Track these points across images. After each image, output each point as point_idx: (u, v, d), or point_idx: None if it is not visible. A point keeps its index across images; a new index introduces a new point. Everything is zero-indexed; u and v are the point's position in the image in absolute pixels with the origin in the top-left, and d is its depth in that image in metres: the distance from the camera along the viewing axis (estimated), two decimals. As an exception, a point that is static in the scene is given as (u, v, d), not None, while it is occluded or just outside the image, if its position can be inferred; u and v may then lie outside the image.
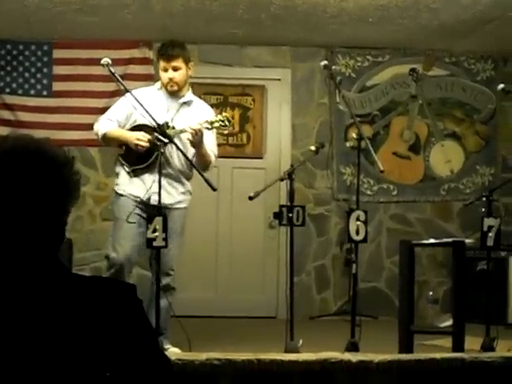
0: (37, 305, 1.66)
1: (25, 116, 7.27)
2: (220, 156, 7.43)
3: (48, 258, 1.72)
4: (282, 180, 5.24)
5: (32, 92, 7.36)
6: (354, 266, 5.17)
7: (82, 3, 6.27)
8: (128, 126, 5.22)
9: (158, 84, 5.33)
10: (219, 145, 7.49)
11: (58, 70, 7.37)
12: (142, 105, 5.00)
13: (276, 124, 7.63)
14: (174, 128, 5.10)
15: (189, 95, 5.35)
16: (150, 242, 4.75)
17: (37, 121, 7.22)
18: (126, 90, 5.08)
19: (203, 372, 4.27)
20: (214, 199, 7.09)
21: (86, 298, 1.70)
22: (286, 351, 4.78)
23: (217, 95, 7.59)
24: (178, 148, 5.02)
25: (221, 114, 5.39)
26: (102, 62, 4.98)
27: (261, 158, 7.59)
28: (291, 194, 5.08)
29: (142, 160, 5.15)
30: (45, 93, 7.36)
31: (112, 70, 4.98)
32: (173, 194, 5.20)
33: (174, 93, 5.25)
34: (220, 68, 7.58)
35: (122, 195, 5.18)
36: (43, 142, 1.76)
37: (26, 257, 1.69)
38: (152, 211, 4.94)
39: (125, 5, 6.31)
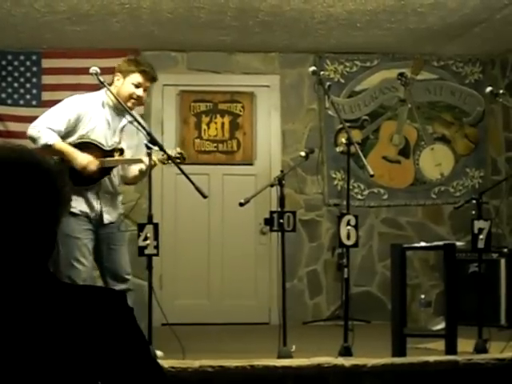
0: (27, 314, 1.65)
1: (14, 126, 7.25)
2: (210, 163, 7.51)
3: (38, 268, 1.72)
4: (272, 186, 5.24)
5: (21, 102, 7.35)
6: (346, 270, 5.17)
7: (70, 12, 6.27)
8: (74, 138, 5.02)
9: (102, 98, 5.12)
10: (209, 152, 7.57)
11: (47, 79, 7.36)
12: (137, 120, 5.02)
13: (266, 130, 7.64)
14: (122, 153, 5.08)
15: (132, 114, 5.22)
16: (141, 250, 4.75)
17: (26, 131, 7.19)
18: (116, 99, 5.06)
19: (197, 379, 4.27)
20: (204, 206, 7.09)
21: (77, 307, 1.70)
22: (279, 357, 4.77)
23: (206, 102, 7.60)
24: (175, 164, 5.03)
25: (175, 148, 5.31)
26: (91, 70, 4.97)
27: (251, 164, 7.60)
28: (282, 200, 5.09)
29: (87, 180, 5.00)
30: (34, 103, 7.35)
31: (101, 78, 4.97)
32: (116, 208, 5.23)
33: (120, 113, 5.12)
34: (209, 75, 7.59)
35: (71, 213, 4.92)
36: (36, 153, 1.77)
37: (17, 267, 1.70)
38: (102, 227, 5.10)
39: (113, 13, 6.32)
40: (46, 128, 4.93)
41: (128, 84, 5.10)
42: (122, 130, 5.15)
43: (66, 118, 4.99)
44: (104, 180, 5.08)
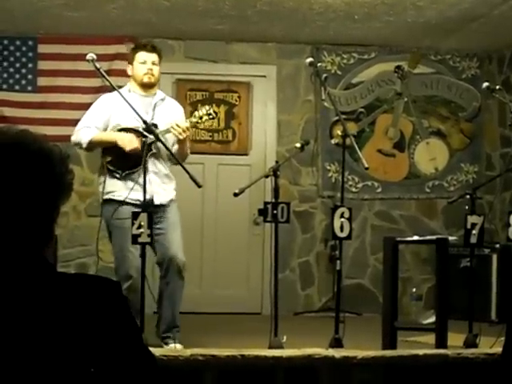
0: (21, 303, 1.65)
1: (9, 111, 7.22)
2: (205, 152, 7.50)
3: (33, 255, 1.72)
4: (266, 177, 5.23)
5: (17, 87, 7.33)
6: (339, 262, 5.19)
7: (68, -2, 6.26)
8: (109, 130, 5.27)
9: (127, 87, 5.34)
10: (205, 141, 7.57)
11: (43, 65, 7.34)
12: (128, 103, 5.01)
13: (261, 121, 7.63)
14: (157, 128, 5.15)
15: (160, 93, 5.45)
16: (135, 238, 4.74)
17: (21, 116, 7.18)
18: (112, 86, 5.06)
19: (188, 368, 4.27)
20: (199, 196, 7.09)
21: (71, 295, 1.70)
22: (270, 347, 4.78)
23: (202, 91, 7.59)
24: (165, 146, 5.06)
25: (202, 107, 5.49)
26: (88, 57, 4.96)
27: (246, 154, 7.59)
28: (276, 191, 5.09)
29: (133, 164, 5.14)
30: (29, 88, 7.33)
31: (97, 65, 4.96)
32: (168, 191, 5.33)
33: (147, 90, 5.34)
34: (205, 64, 7.57)
35: (122, 202, 5.08)
36: (39, 138, 1.77)
37: (12, 253, 1.69)
38: (154, 210, 5.08)
39: (110, 0, 6.30)
40: (82, 128, 5.22)
41: (136, 65, 5.33)
42: (154, 108, 5.30)
43: (100, 113, 5.25)
44: (149, 160, 5.12)
